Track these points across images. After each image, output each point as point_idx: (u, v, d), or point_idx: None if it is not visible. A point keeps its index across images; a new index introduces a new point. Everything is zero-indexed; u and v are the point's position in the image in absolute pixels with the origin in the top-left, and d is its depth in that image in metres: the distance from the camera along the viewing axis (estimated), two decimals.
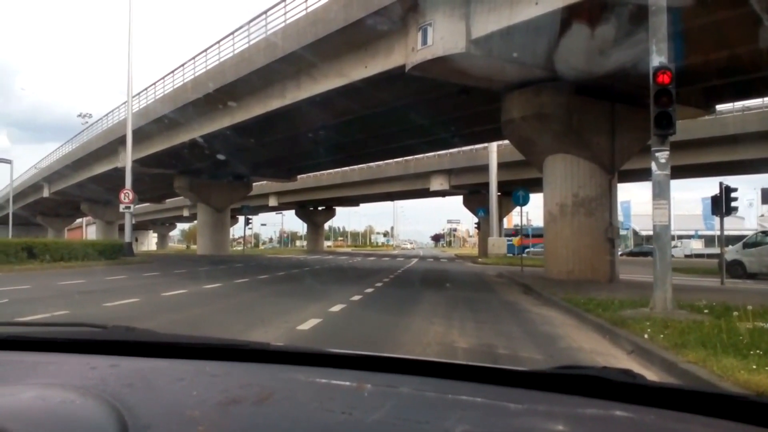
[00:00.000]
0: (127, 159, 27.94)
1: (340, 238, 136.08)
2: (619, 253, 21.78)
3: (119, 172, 31.44)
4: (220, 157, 29.93)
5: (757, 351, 4.94)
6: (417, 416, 0.94)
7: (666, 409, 0.97)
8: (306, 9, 18.54)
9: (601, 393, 1.03)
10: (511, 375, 1.15)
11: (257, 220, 79.89)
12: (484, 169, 36.33)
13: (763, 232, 21.34)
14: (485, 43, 13.68)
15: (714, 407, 0.96)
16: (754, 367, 4.47)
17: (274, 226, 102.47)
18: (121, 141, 30.39)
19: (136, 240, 64.76)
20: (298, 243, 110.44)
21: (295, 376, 1.20)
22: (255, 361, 1.30)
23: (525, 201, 21.71)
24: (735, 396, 1.06)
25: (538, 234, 42.00)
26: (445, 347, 6.25)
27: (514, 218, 57.90)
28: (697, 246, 52.84)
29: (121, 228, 35.23)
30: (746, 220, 50.07)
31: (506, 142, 27.68)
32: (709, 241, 52.21)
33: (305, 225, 72.79)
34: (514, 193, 22.00)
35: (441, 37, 13.92)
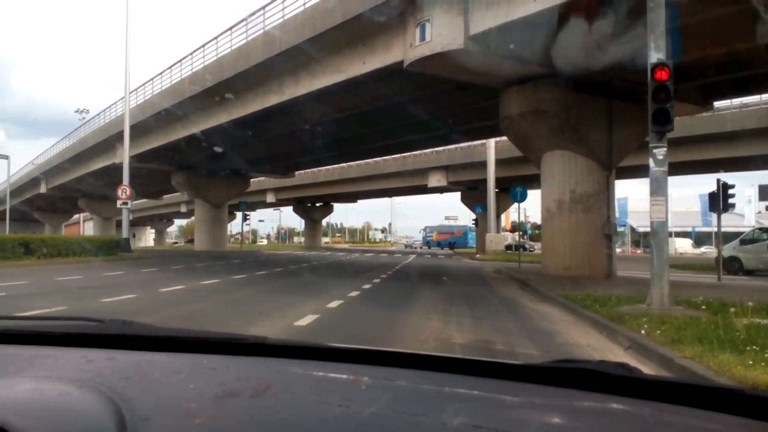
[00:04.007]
0: (124, 154, 27.87)
1: (337, 235, 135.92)
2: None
3: (117, 168, 31.36)
4: (218, 151, 29.86)
5: (754, 347, 4.95)
6: (414, 409, 0.94)
7: (662, 402, 0.97)
8: (304, 4, 18.51)
9: (597, 386, 1.03)
10: (508, 369, 1.15)
11: (255, 216, 79.85)
12: (482, 165, 36.34)
13: (760, 229, 21.37)
14: (483, 39, 13.67)
15: (709, 400, 0.96)
16: (751, 362, 4.48)
17: (272, 222, 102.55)
18: (119, 136, 30.30)
19: (134, 236, 64.71)
20: (296, 239, 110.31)
21: (293, 370, 1.20)
22: (252, 355, 1.30)
23: (523, 197, 21.69)
24: (730, 389, 1.07)
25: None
26: (443, 343, 6.26)
27: (512, 214, 58.21)
28: None
29: (119, 224, 35.17)
30: (746, 216, 50.05)
31: (504, 138, 27.71)
32: (706, 237, 52.08)
33: (303, 221, 72.80)
34: (512, 189, 22.00)
35: (439, 33, 13.90)
